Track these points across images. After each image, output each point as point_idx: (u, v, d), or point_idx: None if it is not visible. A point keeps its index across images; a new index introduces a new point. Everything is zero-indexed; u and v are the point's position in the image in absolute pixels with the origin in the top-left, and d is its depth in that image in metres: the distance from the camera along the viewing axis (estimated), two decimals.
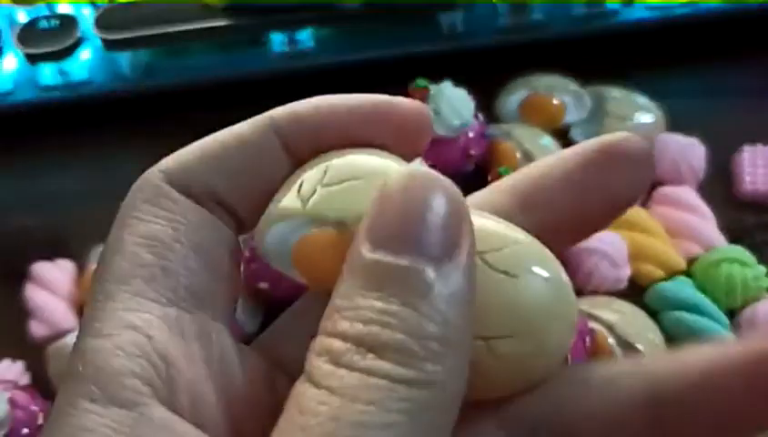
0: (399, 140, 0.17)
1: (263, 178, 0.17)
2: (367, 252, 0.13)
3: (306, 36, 0.51)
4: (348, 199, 0.15)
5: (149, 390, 0.14)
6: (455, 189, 0.14)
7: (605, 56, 0.50)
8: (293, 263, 0.16)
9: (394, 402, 0.12)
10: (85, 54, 0.51)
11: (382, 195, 0.14)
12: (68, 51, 0.50)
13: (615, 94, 0.48)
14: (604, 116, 0.47)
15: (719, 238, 0.41)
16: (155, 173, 0.16)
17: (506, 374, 0.15)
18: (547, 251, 0.15)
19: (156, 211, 0.16)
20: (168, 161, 0.17)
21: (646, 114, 0.47)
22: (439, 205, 0.13)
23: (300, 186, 0.16)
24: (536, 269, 0.14)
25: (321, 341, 0.13)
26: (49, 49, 0.50)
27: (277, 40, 0.51)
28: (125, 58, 0.51)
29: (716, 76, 0.50)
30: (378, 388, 0.12)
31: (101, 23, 0.49)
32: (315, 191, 0.15)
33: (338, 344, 0.13)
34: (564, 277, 0.15)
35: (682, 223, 0.42)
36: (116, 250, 0.15)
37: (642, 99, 0.48)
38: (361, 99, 0.17)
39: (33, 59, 0.50)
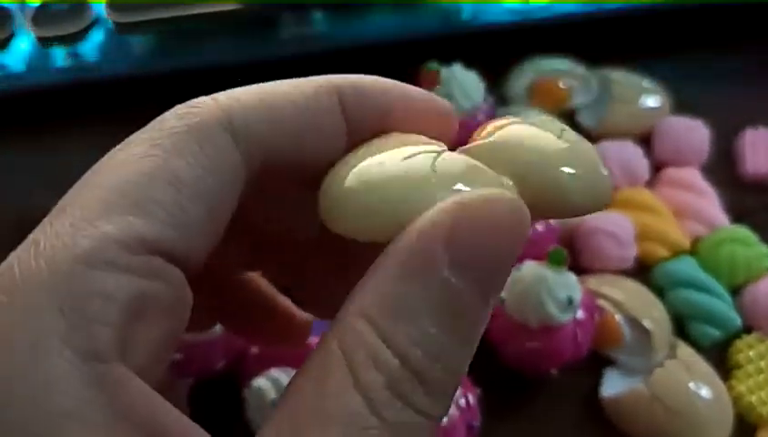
0: (439, 130, 0.18)
1: (317, 144, 0.16)
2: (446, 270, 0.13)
3: (318, 19, 0.51)
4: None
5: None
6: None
7: (612, 40, 0.51)
8: None
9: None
10: (97, 37, 0.52)
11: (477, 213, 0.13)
12: (81, 34, 0.50)
13: (621, 78, 0.49)
14: (610, 100, 0.48)
15: (722, 219, 0.42)
16: (218, 112, 0.15)
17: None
18: None
19: (200, 155, 0.14)
20: (234, 104, 0.15)
21: (652, 97, 0.48)
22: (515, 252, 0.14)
23: None
24: None
25: (372, 339, 0.13)
26: (62, 32, 0.50)
27: (289, 23, 0.51)
28: (136, 41, 0.51)
29: (720, 61, 0.51)
30: (417, 429, 0.13)
31: (113, 6, 0.50)
32: None
33: (396, 368, 0.13)
34: None
35: (686, 204, 0.43)
36: (134, 162, 0.14)
37: (648, 83, 0.49)
38: (415, 90, 0.18)
39: (45, 42, 0.50)
